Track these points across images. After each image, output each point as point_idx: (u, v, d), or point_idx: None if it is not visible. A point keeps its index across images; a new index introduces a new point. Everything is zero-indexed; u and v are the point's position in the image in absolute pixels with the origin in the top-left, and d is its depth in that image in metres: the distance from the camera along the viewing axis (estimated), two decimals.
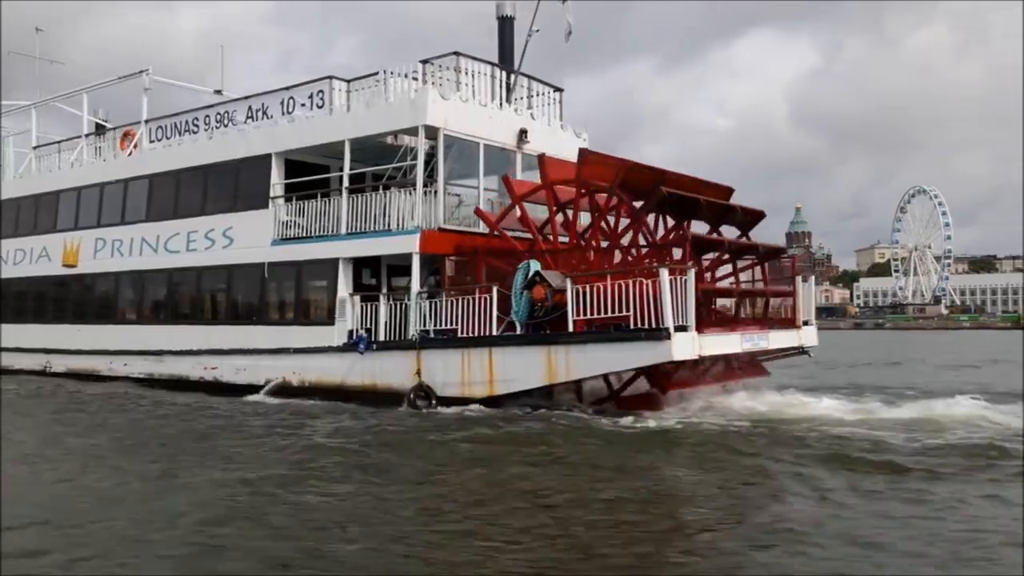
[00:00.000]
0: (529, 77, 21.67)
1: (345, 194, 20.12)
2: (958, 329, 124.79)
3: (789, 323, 19.21)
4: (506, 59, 21.83)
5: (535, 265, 17.29)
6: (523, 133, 20.97)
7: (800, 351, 19.52)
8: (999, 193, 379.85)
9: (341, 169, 22.19)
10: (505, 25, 22.83)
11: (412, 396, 17.59)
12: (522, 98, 21.65)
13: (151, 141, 25.47)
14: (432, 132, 19.04)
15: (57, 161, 28.58)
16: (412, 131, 19.36)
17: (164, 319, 23.73)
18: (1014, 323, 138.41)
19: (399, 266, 21.26)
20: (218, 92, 28.01)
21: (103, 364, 24.75)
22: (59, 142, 29.21)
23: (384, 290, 20.48)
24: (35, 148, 29.83)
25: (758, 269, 19.97)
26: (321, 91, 21.38)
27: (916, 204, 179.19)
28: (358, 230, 19.87)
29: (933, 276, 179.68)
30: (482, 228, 19.75)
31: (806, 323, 19.38)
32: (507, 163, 20.86)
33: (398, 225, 19.22)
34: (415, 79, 19.89)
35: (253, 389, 20.52)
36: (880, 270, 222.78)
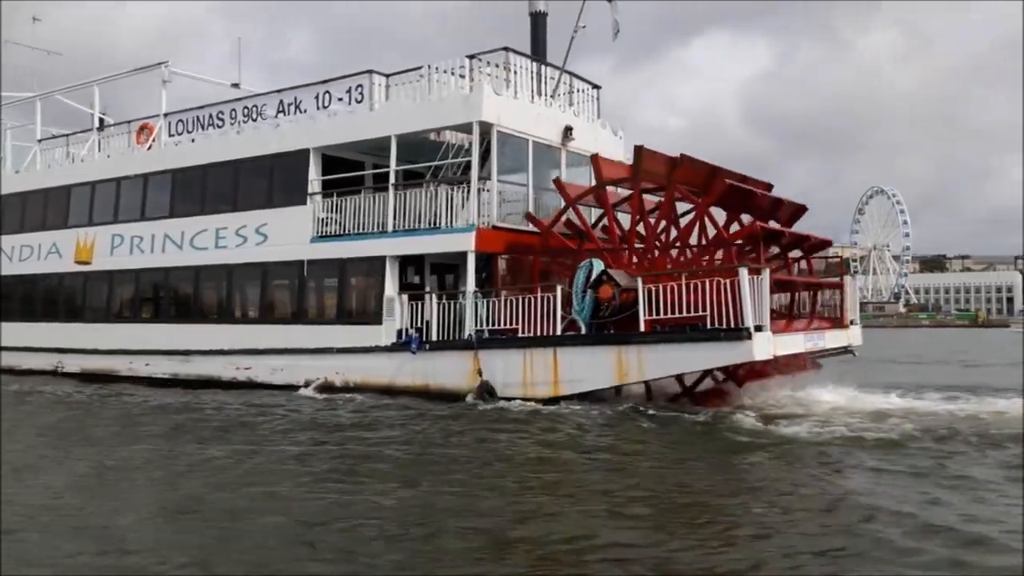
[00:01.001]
0: (571, 74, 21.45)
1: (392, 191, 19.74)
2: (919, 327, 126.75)
3: (839, 322, 19.30)
4: (538, 55, 21.64)
5: (599, 264, 17.12)
6: (568, 130, 20.78)
7: (846, 350, 19.64)
8: (941, 194, 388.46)
9: (376, 166, 22.02)
10: (538, 21, 22.69)
11: (477, 395, 17.30)
12: (564, 94, 21.43)
13: (171, 135, 24.82)
14: (486, 128, 18.76)
15: (65, 155, 27.70)
16: (465, 127, 19.09)
17: (190, 318, 23.10)
18: (971, 321, 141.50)
19: (442, 264, 21.02)
20: (235, 86, 27.37)
21: (122, 364, 24.03)
22: (67, 135, 28.33)
23: (428, 288, 20.21)
24: (40, 142, 28.90)
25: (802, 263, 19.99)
26: (360, 85, 20.98)
27: (874, 204, 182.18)
28: (404, 227, 19.53)
29: (892, 275, 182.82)
30: (531, 226, 19.62)
31: (852, 322, 19.52)
32: (552, 160, 20.65)
33: (447, 223, 18.92)
34: (462, 75, 19.61)
35: (290, 389, 20.08)
36: (834, 270, 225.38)
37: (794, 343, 16.58)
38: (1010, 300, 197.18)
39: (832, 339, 18.42)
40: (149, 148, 24.86)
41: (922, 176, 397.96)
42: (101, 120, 31.63)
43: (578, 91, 21.99)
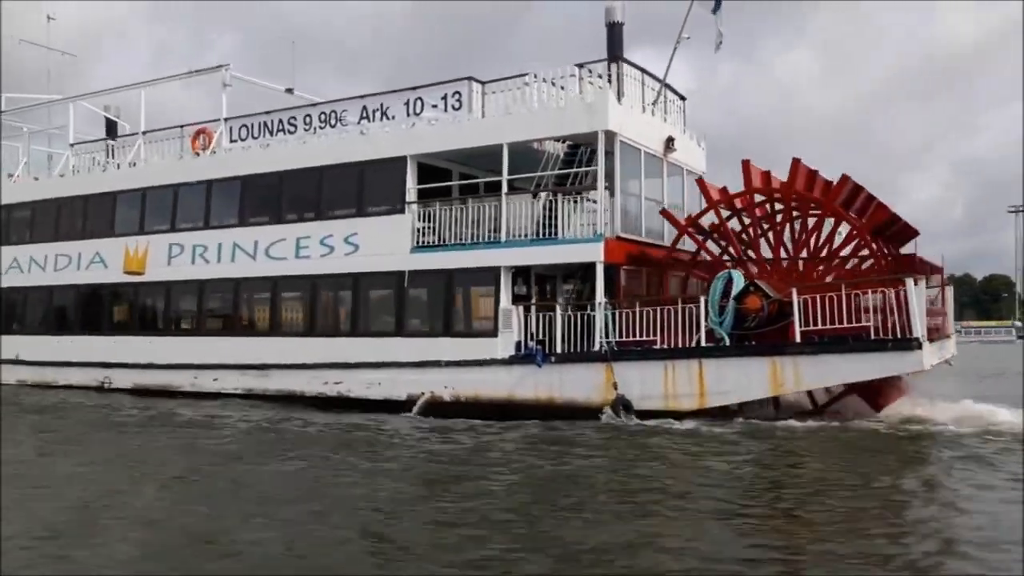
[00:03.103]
0: (666, 86, 21.34)
1: (505, 200, 19.33)
2: None
3: (943, 331, 19.62)
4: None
5: (738, 275, 17.04)
6: (670, 141, 20.71)
7: (948, 362, 19.97)
8: None
9: (463, 175, 21.66)
10: (614, 30, 22.54)
11: (614, 409, 16.99)
12: (659, 104, 21.32)
13: (232, 140, 23.89)
14: (610, 137, 18.53)
15: (105, 160, 26.41)
16: (588, 136, 18.79)
17: (267, 330, 22.16)
18: None
19: (542, 275, 20.69)
20: (289, 91, 26.50)
21: (185, 379, 22.92)
22: (106, 140, 27.03)
23: (535, 299, 19.85)
24: (73, 146, 27.51)
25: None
26: (458, 92, 20.52)
27: None
28: (515, 238, 19.17)
29: None
30: (642, 237, 19.53)
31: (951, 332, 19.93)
32: (655, 171, 20.54)
33: (570, 233, 18.62)
34: (561, 86, 19.40)
35: (388, 404, 19.45)
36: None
37: (935, 353, 16.76)
38: None
39: (948, 349, 18.74)
40: (207, 153, 23.81)
41: None
42: (114, 122, 30.46)
43: (669, 101, 21.94)
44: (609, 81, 19.43)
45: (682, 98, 22.65)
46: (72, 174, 26.86)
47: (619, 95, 19.21)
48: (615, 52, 22.07)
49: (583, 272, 20.52)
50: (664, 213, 19.64)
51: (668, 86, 21.37)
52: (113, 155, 27.44)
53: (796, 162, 18.24)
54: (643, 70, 20.47)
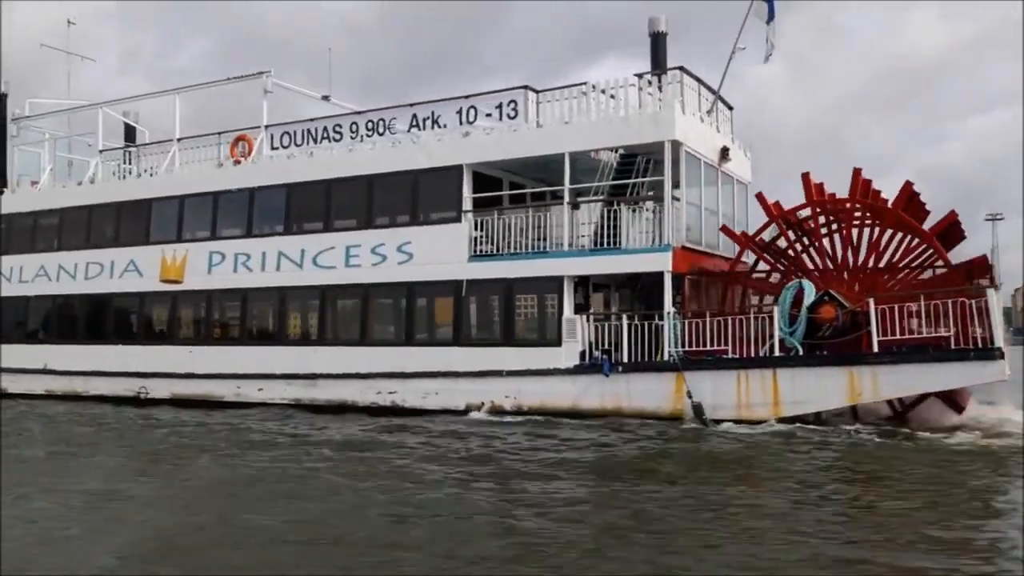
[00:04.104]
0: (719, 97, 21.42)
1: (567, 209, 19.31)
2: None
3: None
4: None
5: (809, 285, 17.14)
6: (725, 151, 20.81)
7: None
8: None
9: (513, 184, 21.66)
10: (658, 41, 22.65)
11: (697, 413, 16.99)
12: (711, 113, 21.41)
13: (274, 147, 23.66)
14: (675, 147, 18.57)
15: (127, 166, 26.04)
16: (652, 146, 18.82)
17: (315, 340, 21.92)
18: None
19: (603, 285, 20.69)
20: (326, 98, 26.30)
21: (227, 389, 22.60)
22: (138, 146, 26.67)
23: (591, 309, 19.85)
24: (102, 152, 27.09)
25: None
26: (513, 101, 20.51)
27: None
28: (573, 247, 19.19)
29: None
30: (702, 247, 19.62)
31: None
32: (712, 180, 20.62)
33: (635, 242, 18.64)
34: (613, 96, 19.49)
35: (445, 414, 19.32)
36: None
37: None
38: None
39: None
40: (248, 161, 23.54)
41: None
42: (132, 128, 30.10)
43: (720, 111, 22.05)
44: (660, 89, 19.53)
45: (730, 108, 22.77)
46: (103, 181, 26.42)
47: (684, 105, 19.31)
48: (659, 62, 22.24)
49: (634, 282, 20.62)
50: (724, 230, 19.71)
51: (720, 97, 21.48)
52: (130, 161, 27.14)
53: (857, 172, 18.41)
54: (699, 80, 20.54)
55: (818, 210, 18.13)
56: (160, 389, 23.76)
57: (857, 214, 18.30)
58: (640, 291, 20.07)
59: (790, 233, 18.86)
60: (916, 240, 17.68)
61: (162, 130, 29.67)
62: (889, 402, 17.44)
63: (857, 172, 18.40)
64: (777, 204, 19.13)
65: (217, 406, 22.13)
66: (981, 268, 16.83)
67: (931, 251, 17.77)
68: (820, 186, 19.29)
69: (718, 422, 16.82)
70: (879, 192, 18.86)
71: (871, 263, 17.73)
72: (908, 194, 18.07)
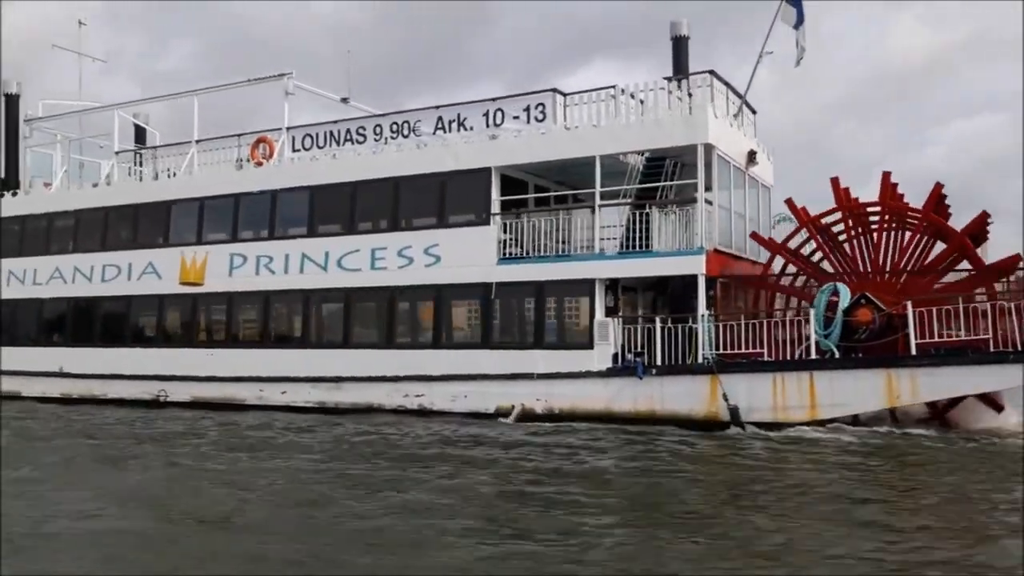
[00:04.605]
0: (745, 101, 21.48)
1: (598, 212, 19.32)
2: None
3: None
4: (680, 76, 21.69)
5: (844, 288, 17.20)
6: (752, 155, 20.88)
7: None
8: None
9: (538, 187, 21.69)
10: (680, 44, 22.78)
11: (734, 417, 17.01)
12: (737, 117, 21.46)
13: (295, 149, 23.57)
14: (708, 150, 18.61)
15: (154, 167, 25.90)
16: (684, 149, 18.85)
17: (339, 342, 21.81)
18: None
19: (630, 288, 20.71)
20: (345, 100, 26.21)
21: (250, 392, 22.48)
22: (156, 148, 26.52)
23: (620, 311, 19.81)
24: (118, 154, 26.93)
25: None
26: (541, 104, 20.54)
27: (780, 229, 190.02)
28: (599, 250, 19.26)
29: None
30: (731, 250, 19.68)
31: None
32: (740, 184, 20.67)
33: (656, 245, 18.65)
34: (642, 100, 19.60)
35: (473, 417, 19.29)
36: None
37: None
38: None
39: None
40: (270, 163, 23.43)
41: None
42: (143, 129, 29.99)
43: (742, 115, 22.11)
44: (691, 94, 19.57)
45: (753, 111, 22.84)
46: (119, 182, 26.26)
47: (715, 109, 19.36)
48: (681, 65, 22.34)
49: (660, 285, 20.67)
50: (755, 236, 19.80)
51: (746, 101, 21.54)
52: (143, 164, 27.03)
53: (887, 176, 18.49)
54: (728, 84, 20.60)
55: (847, 214, 18.19)
56: (180, 392, 23.61)
57: (887, 217, 18.36)
58: (669, 294, 20.10)
59: (819, 238, 18.93)
60: (942, 242, 17.79)
61: (160, 132, 29.79)
62: (929, 404, 17.52)
63: (886, 175, 18.47)
64: (804, 210, 19.21)
65: (238, 409, 22.02)
66: (1012, 268, 16.95)
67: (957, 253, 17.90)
68: (846, 190, 19.38)
69: (755, 425, 16.87)
70: (902, 196, 18.99)
71: (903, 265, 17.78)
72: (937, 196, 18.19)
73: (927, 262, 17.95)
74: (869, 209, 18.24)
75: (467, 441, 16.42)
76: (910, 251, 17.86)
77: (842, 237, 18.69)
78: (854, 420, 16.78)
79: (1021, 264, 17.11)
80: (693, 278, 18.27)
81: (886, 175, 18.46)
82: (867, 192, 18.78)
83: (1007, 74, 79.86)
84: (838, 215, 18.55)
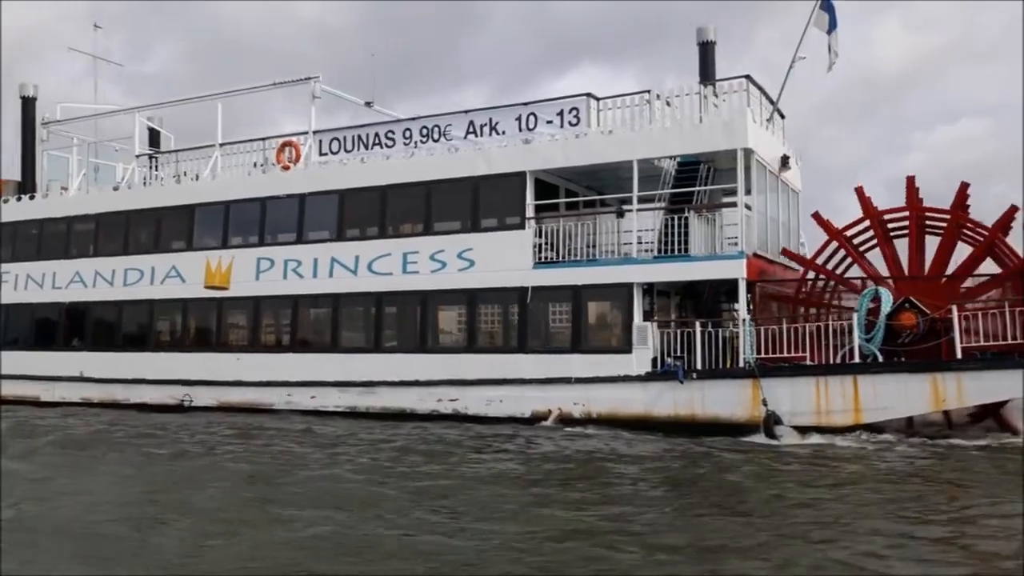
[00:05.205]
0: (775, 105, 21.52)
1: (636, 216, 19.34)
2: None
3: None
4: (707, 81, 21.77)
5: (886, 293, 17.26)
6: (785, 160, 20.94)
7: None
8: None
9: (569, 192, 21.71)
10: (707, 50, 22.81)
11: (766, 426, 17.00)
12: (770, 121, 21.51)
13: (322, 153, 23.49)
14: (747, 155, 18.65)
15: (176, 170, 25.76)
16: (724, 154, 18.89)
17: (370, 346, 21.71)
18: None
19: (663, 292, 20.73)
20: (369, 104, 26.15)
21: (278, 397, 22.34)
22: (176, 151, 26.37)
23: (655, 315, 19.84)
24: (138, 157, 26.78)
25: None
26: (575, 108, 20.55)
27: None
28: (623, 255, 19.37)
29: None
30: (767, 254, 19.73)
31: None
32: (773, 189, 20.72)
33: (694, 250, 18.68)
34: (667, 103, 19.71)
35: (509, 422, 19.24)
36: None
37: None
38: None
39: None
40: (298, 166, 23.32)
41: None
42: (157, 132, 29.83)
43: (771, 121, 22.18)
44: (707, 98, 19.65)
45: (782, 116, 22.91)
46: (141, 186, 26.09)
47: (752, 113, 19.42)
48: (708, 70, 22.38)
49: (692, 289, 20.70)
50: (786, 252, 19.90)
51: (776, 107, 21.61)
52: (158, 167, 26.89)
53: (911, 180, 18.48)
54: (762, 89, 20.66)
55: (876, 222, 18.30)
56: (204, 397, 23.46)
57: (920, 222, 18.40)
58: (704, 298, 20.13)
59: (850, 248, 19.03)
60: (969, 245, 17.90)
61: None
62: (945, 414, 17.62)
63: (910, 180, 18.47)
64: (828, 223, 19.23)
65: (266, 413, 21.90)
66: None
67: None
68: (867, 199, 19.48)
69: (798, 429, 16.88)
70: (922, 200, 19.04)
71: (939, 270, 17.88)
72: (963, 197, 18.27)
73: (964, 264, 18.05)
74: (897, 215, 18.30)
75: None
76: (945, 254, 17.93)
77: (869, 245, 18.80)
78: (908, 424, 16.89)
79: None
80: (731, 282, 18.35)
81: (910, 179, 18.46)
82: (844, 197, 18.92)
83: (988, 80, 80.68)
84: (865, 224, 18.62)
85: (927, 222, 18.36)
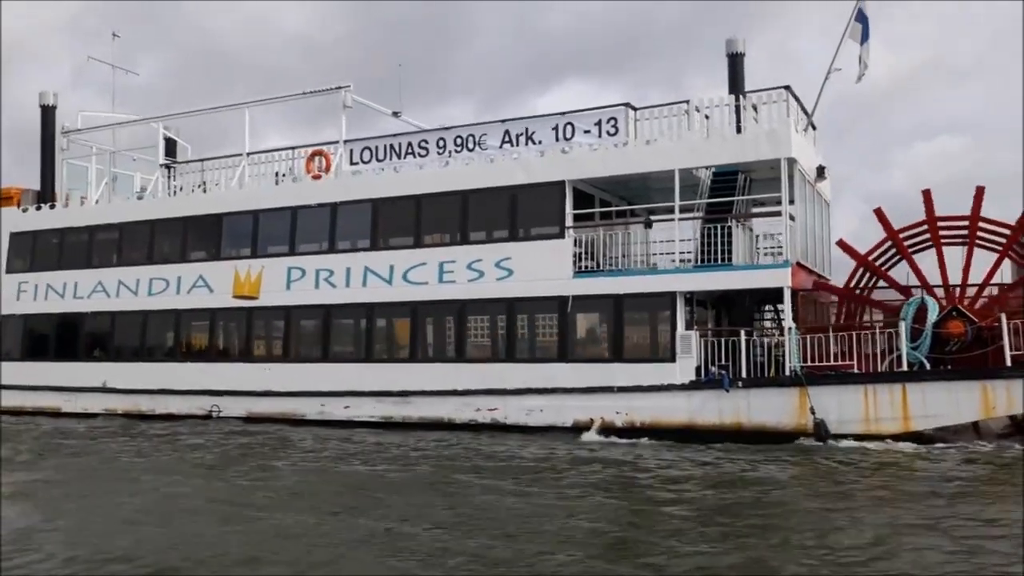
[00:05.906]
0: (809, 117, 21.67)
1: (678, 224, 19.42)
2: None
3: None
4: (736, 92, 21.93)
5: (932, 302, 17.40)
6: (821, 170, 21.11)
7: None
8: None
9: (603, 202, 21.78)
10: (736, 61, 22.96)
11: (817, 434, 17.06)
12: (805, 131, 21.61)
13: (353, 162, 23.44)
14: (791, 165, 18.79)
15: (201, 180, 25.64)
16: (767, 163, 19.01)
17: (406, 356, 21.65)
18: None
19: (701, 302, 20.79)
20: (396, 114, 26.13)
21: (310, 407, 22.21)
22: (203, 160, 26.26)
23: (695, 324, 19.89)
24: (162, 166, 26.63)
25: None
26: (613, 118, 20.62)
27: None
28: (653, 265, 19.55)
29: None
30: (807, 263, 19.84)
31: None
32: (809, 199, 20.85)
33: (735, 259, 18.78)
34: (701, 113, 19.93)
35: (549, 431, 19.23)
36: None
37: None
38: None
39: None
40: (329, 176, 23.27)
41: None
42: (173, 141, 29.68)
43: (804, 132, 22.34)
44: (747, 109, 19.79)
45: (814, 127, 23.07)
46: (165, 195, 25.96)
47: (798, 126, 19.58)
48: (737, 82, 22.51)
49: (728, 299, 20.79)
50: (842, 245, 19.98)
51: (811, 119, 21.76)
52: (175, 177, 26.76)
53: (980, 190, 18.55)
54: (799, 101, 20.81)
55: (934, 227, 18.42)
56: (234, 407, 23.27)
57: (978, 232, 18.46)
58: (744, 307, 20.23)
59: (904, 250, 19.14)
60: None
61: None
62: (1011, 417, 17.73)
63: (979, 190, 18.52)
64: (888, 222, 19.32)
65: (298, 424, 21.77)
66: None
67: None
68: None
69: (841, 438, 16.95)
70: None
71: (984, 279, 18.05)
72: (980, 203, 18.44)
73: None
74: (958, 223, 18.42)
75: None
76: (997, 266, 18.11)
77: (924, 249, 18.92)
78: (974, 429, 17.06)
79: None
80: (771, 291, 18.47)
81: (979, 189, 18.46)
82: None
83: (964, 99, 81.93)
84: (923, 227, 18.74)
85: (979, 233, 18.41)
